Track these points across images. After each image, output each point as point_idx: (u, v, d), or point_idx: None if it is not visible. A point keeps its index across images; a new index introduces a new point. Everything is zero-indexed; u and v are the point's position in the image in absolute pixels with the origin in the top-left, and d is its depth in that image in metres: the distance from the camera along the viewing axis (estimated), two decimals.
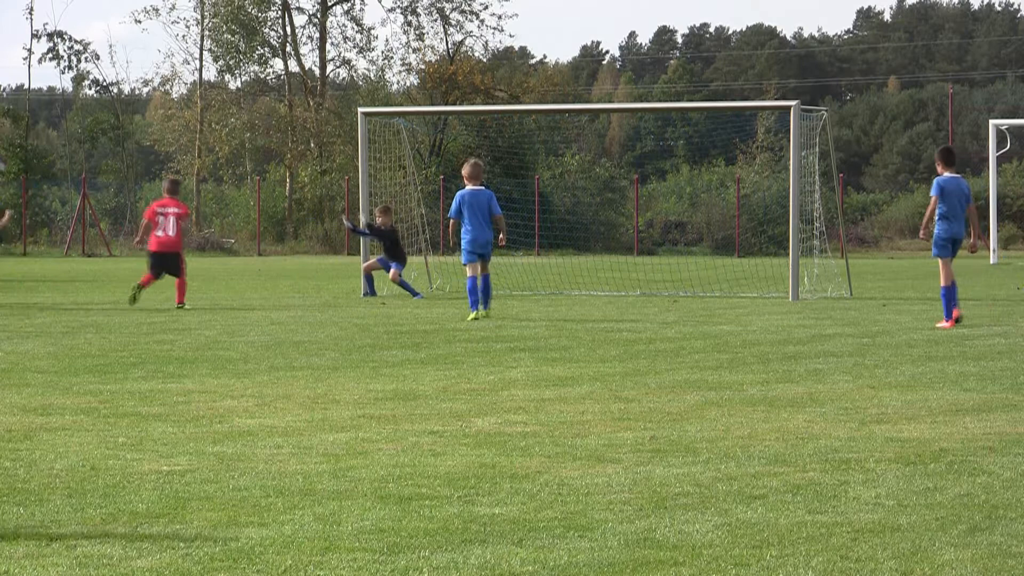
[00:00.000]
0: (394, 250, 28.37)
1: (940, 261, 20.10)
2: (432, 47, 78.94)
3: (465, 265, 22.06)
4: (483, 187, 22.15)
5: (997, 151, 51.08)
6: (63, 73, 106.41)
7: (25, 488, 8.00)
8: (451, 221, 22.15)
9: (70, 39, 78.12)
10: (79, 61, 78.44)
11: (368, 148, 30.10)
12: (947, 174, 20.04)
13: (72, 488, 7.98)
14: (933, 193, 19.97)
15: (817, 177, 31.00)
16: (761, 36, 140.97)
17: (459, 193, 22.04)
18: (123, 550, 6.52)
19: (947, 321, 19.88)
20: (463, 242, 21.90)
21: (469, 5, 78.28)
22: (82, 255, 61.20)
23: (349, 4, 78.19)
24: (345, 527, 6.99)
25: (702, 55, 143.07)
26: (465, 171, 22.16)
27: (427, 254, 31.80)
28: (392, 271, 28.27)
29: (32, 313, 22.73)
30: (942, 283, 20.00)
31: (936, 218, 20.07)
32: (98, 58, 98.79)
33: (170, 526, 7.02)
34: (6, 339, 17.75)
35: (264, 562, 6.32)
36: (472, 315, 21.63)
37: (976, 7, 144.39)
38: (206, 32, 76.08)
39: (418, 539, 6.74)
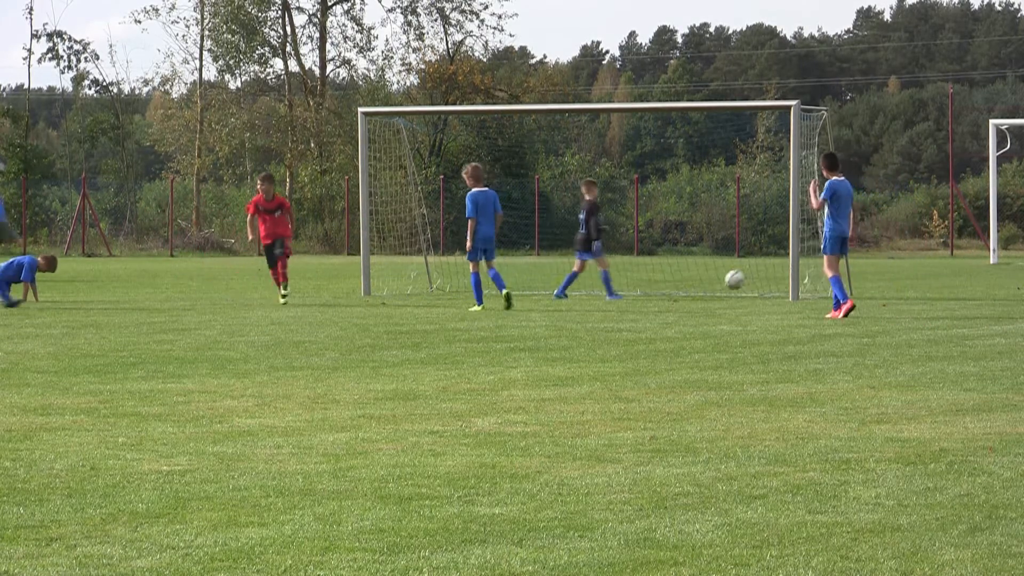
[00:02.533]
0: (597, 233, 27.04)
1: (830, 256, 21.73)
2: (432, 47, 78.99)
3: (470, 262, 23.58)
4: (487, 188, 23.80)
5: (997, 151, 51.05)
6: (63, 73, 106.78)
7: (25, 488, 8.00)
8: (470, 221, 23.61)
9: (70, 39, 78.20)
10: (79, 61, 78.48)
11: (368, 148, 30.12)
12: (834, 178, 21.63)
13: (72, 488, 7.98)
14: (824, 196, 21.61)
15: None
16: (761, 36, 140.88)
17: (470, 194, 23.57)
18: (123, 550, 6.52)
19: (837, 310, 21.37)
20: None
21: (469, 5, 78.26)
22: (82, 255, 61.20)
23: (349, 4, 78.21)
24: (345, 527, 6.99)
25: (702, 55, 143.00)
26: (470, 173, 23.75)
27: (427, 254, 31.79)
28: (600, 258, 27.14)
29: (32, 313, 22.73)
30: (830, 274, 21.67)
31: (826, 218, 21.73)
32: (98, 58, 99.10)
33: (170, 526, 7.02)
34: (6, 339, 17.76)
35: (264, 562, 6.32)
36: (478, 308, 23.19)
37: (976, 7, 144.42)
38: (206, 32, 76.05)
39: (418, 539, 6.74)
